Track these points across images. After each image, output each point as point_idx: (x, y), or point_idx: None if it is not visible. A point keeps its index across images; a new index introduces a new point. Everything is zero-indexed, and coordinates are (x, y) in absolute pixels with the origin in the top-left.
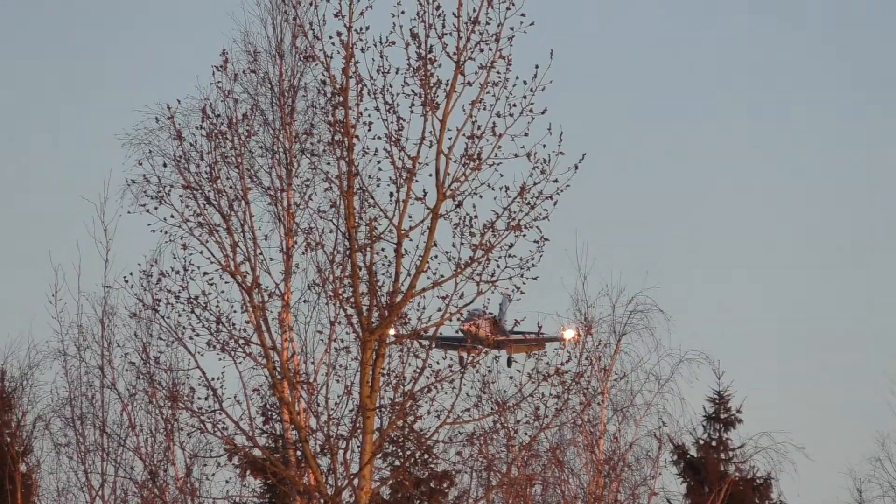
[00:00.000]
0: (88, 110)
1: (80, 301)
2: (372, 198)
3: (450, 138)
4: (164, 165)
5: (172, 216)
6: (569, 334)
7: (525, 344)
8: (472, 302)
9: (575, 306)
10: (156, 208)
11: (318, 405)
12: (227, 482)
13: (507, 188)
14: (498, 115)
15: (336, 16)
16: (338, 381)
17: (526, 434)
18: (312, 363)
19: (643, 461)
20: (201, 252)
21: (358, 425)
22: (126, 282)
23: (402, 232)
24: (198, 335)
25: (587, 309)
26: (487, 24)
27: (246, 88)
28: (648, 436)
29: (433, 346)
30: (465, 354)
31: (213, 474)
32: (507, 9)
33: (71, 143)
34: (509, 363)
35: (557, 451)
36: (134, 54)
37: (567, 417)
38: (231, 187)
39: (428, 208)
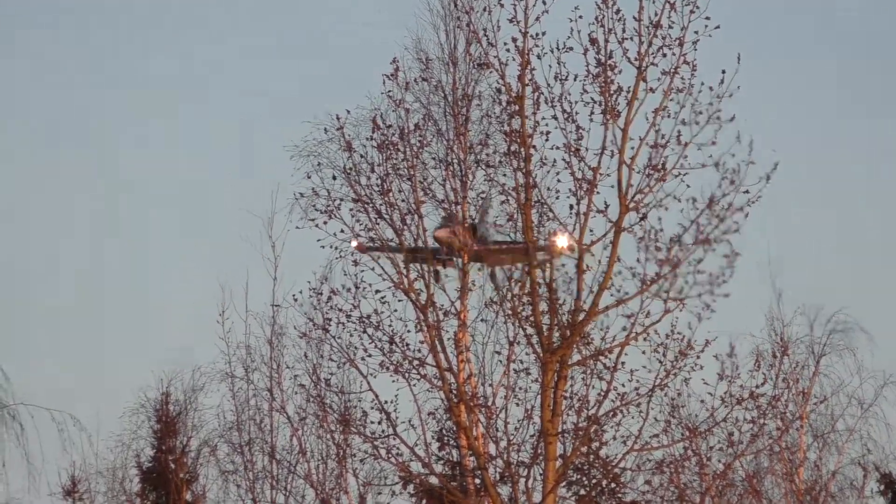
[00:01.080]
0: (256, 122)
1: (248, 321)
2: (551, 211)
3: (632, 148)
4: (334, 178)
5: (343, 231)
6: (562, 241)
7: (509, 254)
8: (659, 321)
9: (770, 325)
10: (325, 223)
11: (497, 430)
12: None
13: (695, 200)
14: (683, 122)
15: (511, 21)
16: (517, 404)
17: (719, 462)
18: (490, 385)
19: (847, 491)
20: (373, 269)
21: (540, 451)
22: (295, 300)
23: (584, 247)
24: (370, 356)
25: (783, 328)
26: (670, 27)
27: (418, 97)
28: (852, 464)
29: (406, 260)
30: (440, 268)
31: (389, 503)
32: (691, 12)
33: (236, 156)
34: (492, 277)
35: (754, 481)
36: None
37: (763, 444)
38: (403, 200)
39: (610, 221)
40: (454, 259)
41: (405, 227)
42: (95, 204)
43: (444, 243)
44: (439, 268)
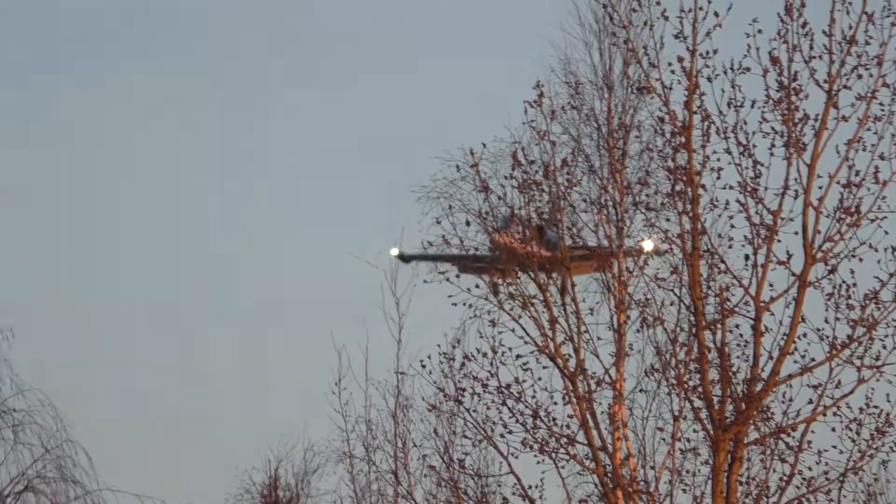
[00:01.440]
0: (375, 162)
1: (368, 391)
2: (723, 262)
3: (820, 187)
4: (468, 224)
5: (478, 286)
6: (648, 245)
7: (586, 261)
8: (852, 392)
9: None
10: (458, 276)
11: None
12: None
13: (895, 249)
14: (881, 157)
15: (677, 37)
16: (684, 490)
17: None
18: (652, 468)
19: None
20: (513, 330)
21: None
22: (423, 367)
23: (762, 304)
24: (511, 433)
25: None
26: (867, 43)
27: (566, 128)
28: None
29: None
30: (498, 279)
31: None
32: (893, 24)
33: (354, 196)
34: (562, 292)
35: None
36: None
37: None
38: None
39: (794, 274)
40: (516, 270)
41: (551, 281)
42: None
43: (503, 250)
44: (498, 280)
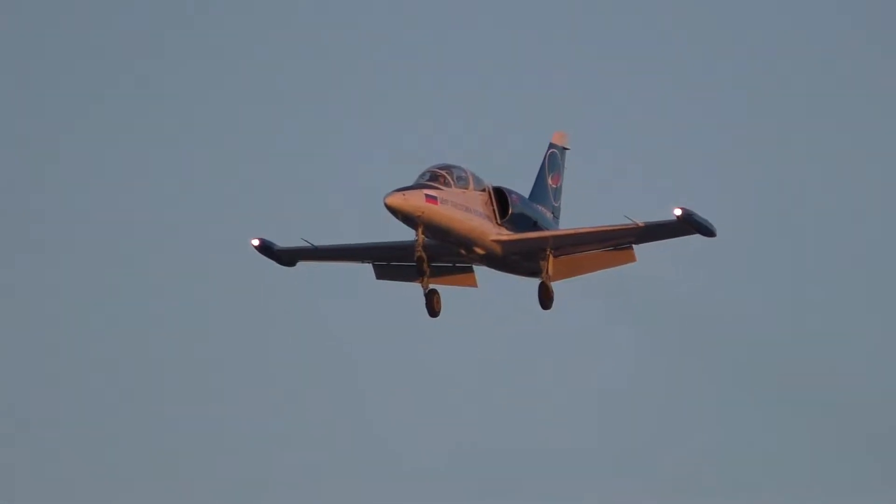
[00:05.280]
0: None
1: None
2: None
3: None
4: None
5: None
6: (676, 211)
7: (587, 249)
8: None
9: None
10: None
11: None
12: None
13: None
14: None
15: None
16: None
17: None
18: None
19: None
20: None
21: None
22: None
23: None
24: None
25: None
26: None
27: None
28: None
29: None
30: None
31: None
32: None
33: None
34: (545, 302)
35: None
36: None
37: None
38: None
39: None
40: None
41: None
42: None
43: (401, 215)
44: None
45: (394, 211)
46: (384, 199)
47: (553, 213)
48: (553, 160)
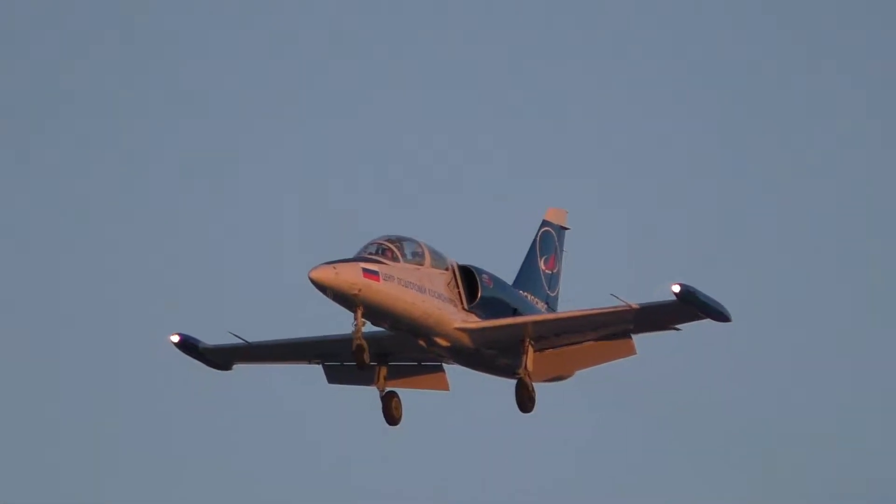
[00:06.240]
0: None
1: None
2: None
3: None
4: None
5: None
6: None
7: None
8: None
9: None
10: None
11: None
12: None
13: None
14: None
15: None
16: None
17: None
18: None
19: None
20: None
21: None
22: None
23: None
24: None
25: None
26: None
27: None
28: None
29: None
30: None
31: None
32: None
33: None
34: (524, 404)
35: None
36: None
37: None
38: None
39: None
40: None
41: None
42: None
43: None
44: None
45: (322, 287)
46: (309, 272)
47: (547, 302)
48: (546, 241)
